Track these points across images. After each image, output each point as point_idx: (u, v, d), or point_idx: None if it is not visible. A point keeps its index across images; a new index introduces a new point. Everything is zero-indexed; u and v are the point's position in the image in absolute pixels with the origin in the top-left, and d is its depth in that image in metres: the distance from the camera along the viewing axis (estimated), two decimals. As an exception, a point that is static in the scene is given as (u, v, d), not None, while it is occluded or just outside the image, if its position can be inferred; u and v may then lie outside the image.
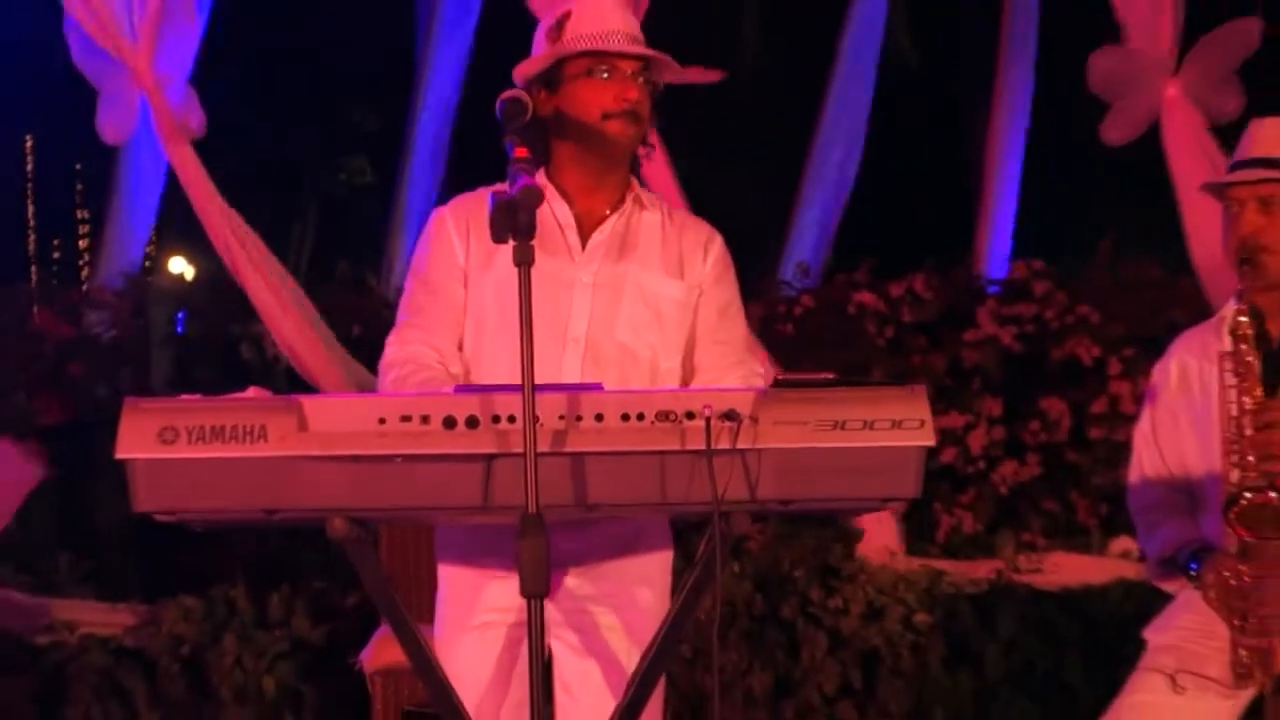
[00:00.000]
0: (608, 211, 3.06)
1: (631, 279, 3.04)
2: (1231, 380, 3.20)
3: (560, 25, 3.01)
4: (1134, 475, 3.54)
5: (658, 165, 5.29)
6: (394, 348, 3.04)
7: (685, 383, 3.09)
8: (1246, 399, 3.17)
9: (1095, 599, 5.13)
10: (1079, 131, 8.63)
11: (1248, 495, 3.10)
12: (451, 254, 3.04)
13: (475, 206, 3.03)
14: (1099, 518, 5.54)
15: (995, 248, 7.45)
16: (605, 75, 2.97)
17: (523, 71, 3.03)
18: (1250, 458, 3.14)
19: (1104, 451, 5.62)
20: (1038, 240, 7.50)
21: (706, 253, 3.10)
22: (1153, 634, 3.38)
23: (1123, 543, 5.36)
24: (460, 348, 3.05)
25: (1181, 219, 4.98)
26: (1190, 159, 4.99)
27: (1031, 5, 7.67)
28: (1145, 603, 3.52)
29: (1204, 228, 4.73)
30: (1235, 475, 3.16)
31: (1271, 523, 3.09)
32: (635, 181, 3.11)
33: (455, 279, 3.04)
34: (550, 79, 3.00)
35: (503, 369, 2.85)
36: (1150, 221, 5.65)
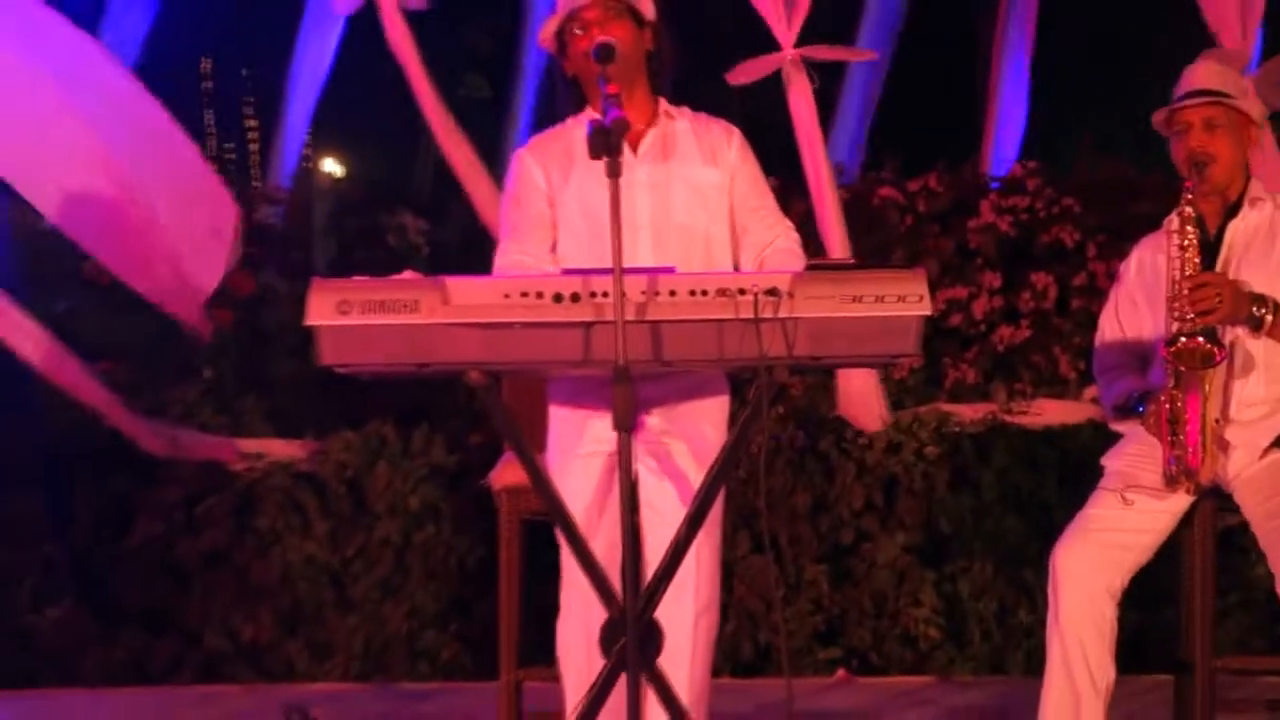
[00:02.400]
0: (643, 126, 3.15)
1: (677, 173, 3.14)
2: (1176, 252, 3.33)
3: None
4: (1098, 343, 3.68)
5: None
6: (500, 259, 3.15)
7: (735, 245, 3.18)
8: (1187, 266, 3.30)
9: (1070, 436, 5.20)
10: (1079, 52, 8.54)
11: (1184, 338, 3.26)
12: (534, 182, 3.16)
13: (548, 141, 3.18)
14: (1077, 371, 5.51)
15: (999, 148, 7.43)
16: (579, 32, 3.06)
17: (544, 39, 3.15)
18: (1187, 312, 3.26)
19: (1083, 318, 5.62)
20: (1041, 141, 7.45)
21: (730, 143, 3.21)
22: (1107, 460, 3.52)
23: (1094, 391, 5.37)
24: (554, 250, 3.15)
25: None
26: None
27: None
28: (1109, 439, 3.60)
29: None
30: (1174, 326, 3.29)
31: (1199, 359, 3.26)
32: (660, 98, 3.19)
33: (541, 199, 3.15)
34: (560, 43, 3.12)
35: (591, 257, 2.97)
36: (1128, 128, 5.60)
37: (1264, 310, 3.26)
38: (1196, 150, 3.38)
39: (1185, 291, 3.27)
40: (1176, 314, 3.29)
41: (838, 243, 5.20)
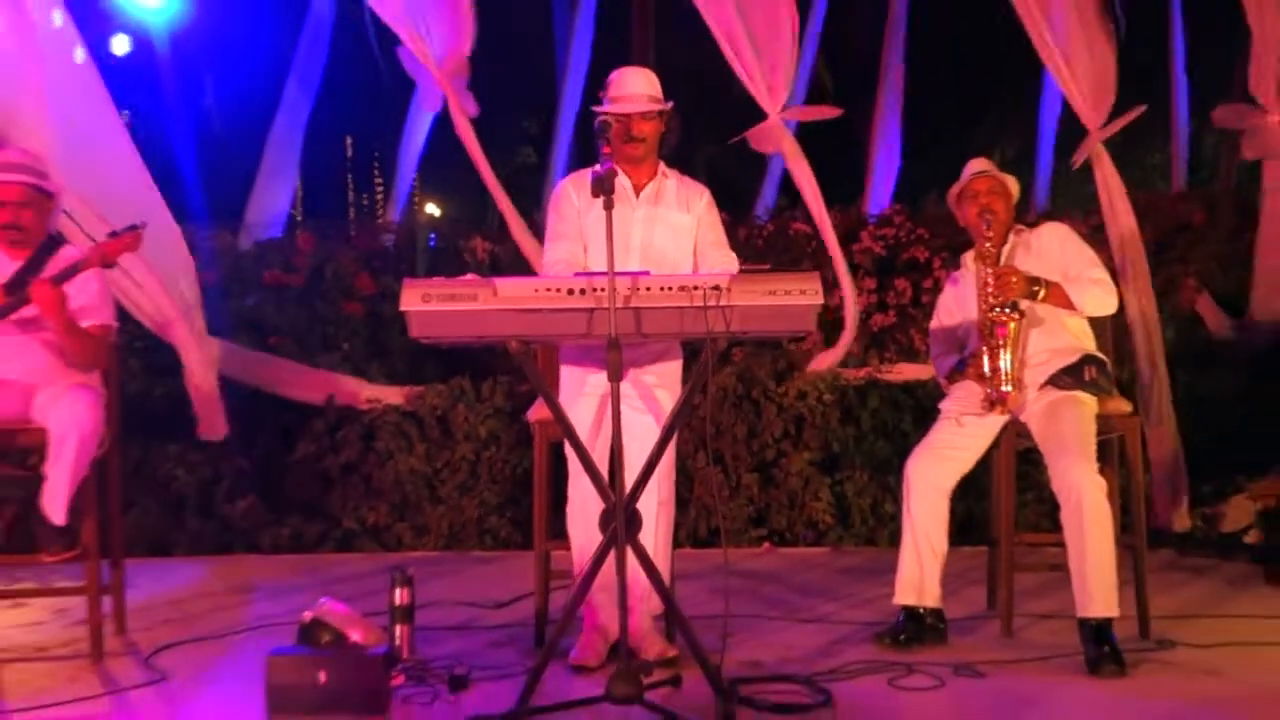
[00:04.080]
0: (646, 180, 3.11)
1: (662, 216, 3.10)
2: (983, 263, 3.38)
3: (606, 89, 3.05)
4: (931, 335, 3.70)
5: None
6: (553, 252, 3.09)
7: (694, 267, 3.13)
8: (989, 268, 3.34)
9: (920, 388, 5.17)
10: (938, 122, 8.43)
11: (996, 310, 3.30)
12: (573, 203, 3.11)
13: (581, 178, 3.12)
14: (925, 345, 5.47)
15: (876, 193, 7.36)
16: (620, 123, 2.99)
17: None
18: (991, 295, 3.31)
19: (929, 310, 5.54)
20: (911, 187, 7.36)
21: (701, 199, 3.16)
22: (942, 405, 3.50)
23: (935, 361, 5.32)
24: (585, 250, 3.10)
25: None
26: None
27: (900, 28, 7.36)
28: (943, 392, 3.56)
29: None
30: (984, 305, 3.32)
31: (1006, 320, 3.29)
32: (662, 163, 3.14)
33: (576, 216, 3.10)
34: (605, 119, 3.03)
35: (598, 263, 2.92)
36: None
37: (1039, 287, 3.30)
38: (987, 206, 3.44)
39: (993, 280, 3.30)
40: (984, 297, 3.33)
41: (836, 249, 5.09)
